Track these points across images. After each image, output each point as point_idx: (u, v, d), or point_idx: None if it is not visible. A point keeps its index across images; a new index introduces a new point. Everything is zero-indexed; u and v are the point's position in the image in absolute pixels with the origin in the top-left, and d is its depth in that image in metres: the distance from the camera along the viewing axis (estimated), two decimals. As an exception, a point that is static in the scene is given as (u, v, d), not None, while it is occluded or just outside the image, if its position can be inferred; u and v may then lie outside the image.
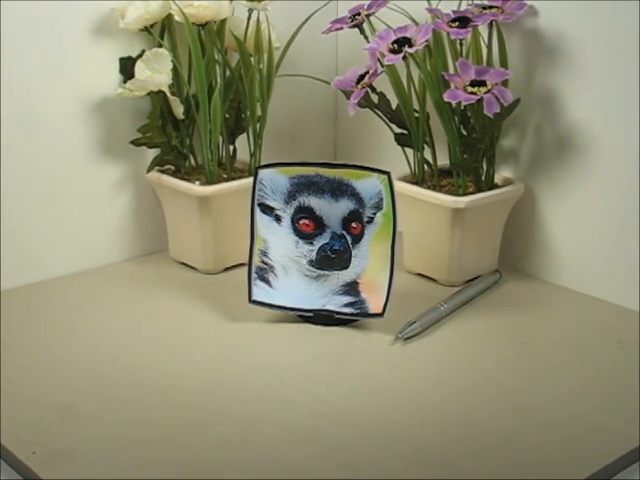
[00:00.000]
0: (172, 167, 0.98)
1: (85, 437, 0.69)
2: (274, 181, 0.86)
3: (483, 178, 0.95)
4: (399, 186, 0.95)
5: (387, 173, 0.84)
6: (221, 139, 0.98)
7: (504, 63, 0.92)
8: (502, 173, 0.99)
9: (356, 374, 0.79)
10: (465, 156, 0.92)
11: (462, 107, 0.92)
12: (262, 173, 0.86)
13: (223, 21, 0.95)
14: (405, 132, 0.96)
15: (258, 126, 0.97)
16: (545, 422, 0.72)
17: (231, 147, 1.00)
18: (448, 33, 0.87)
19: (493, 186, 0.96)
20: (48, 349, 0.81)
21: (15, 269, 0.93)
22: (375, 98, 0.95)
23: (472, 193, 0.93)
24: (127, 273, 0.98)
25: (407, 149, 0.97)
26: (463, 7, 0.93)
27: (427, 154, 0.96)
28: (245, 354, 0.82)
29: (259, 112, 0.97)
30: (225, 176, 0.97)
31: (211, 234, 0.95)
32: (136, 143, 0.95)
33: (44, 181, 0.94)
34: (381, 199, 0.85)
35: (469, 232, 0.93)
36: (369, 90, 0.93)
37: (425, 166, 0.97)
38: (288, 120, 1.11)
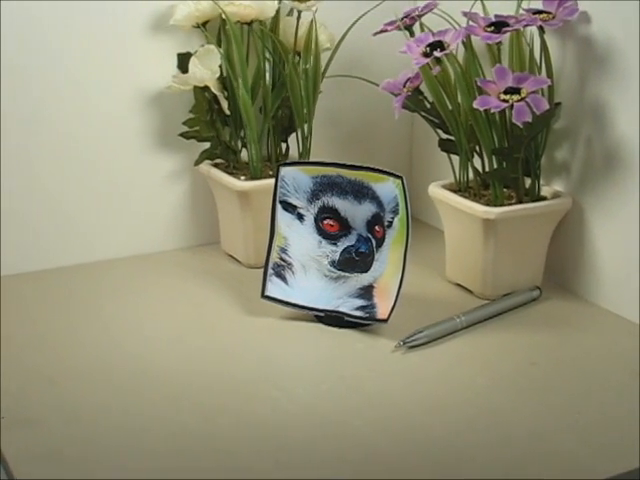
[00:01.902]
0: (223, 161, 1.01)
1: (56, 409, 0.72)
2: (296, 179, 0.87)
3: (527, 189, 0.91)
4: (438, 193, 0.94)
5: (400, 177, 0.83)
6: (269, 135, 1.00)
7: (548, 70, 0.88)
8: (554, 186, 0.94)
9: (340, 377, 0.78)
10: (503, 165, 0.89)
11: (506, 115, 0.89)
12: (284, 171, 0.87)
13: (276, 20, 0.96)
14: (451, 138, 0.94)
15: (306, 126, 0.98)
16: (506, 444, 0.68)
17: (284, 145, 1.01)
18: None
19: (539, 199, 0.92)
20: (62, 326, 0.86)
21: (72, 249, 0.99)
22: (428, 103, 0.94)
23: (512, 204, 0.90)
24: (176, 261, 1.02)
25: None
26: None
27: (478, 162, 0.94)
28: (243, 347, 0.83)
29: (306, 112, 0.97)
30: (271, 172, 0.99)
31: (252, 228, 0.97)
32: (185, 136, 0.98)
33: (103, 169, 0.99)
34: (397, 204, 0.84)
35: (504, 244, 0.89)
36: (416, 94, 0.92)
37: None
38: (363, 122, 1.11)
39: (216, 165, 1.01)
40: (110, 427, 0.70)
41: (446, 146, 0.95)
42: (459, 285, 0.95)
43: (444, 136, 0.95)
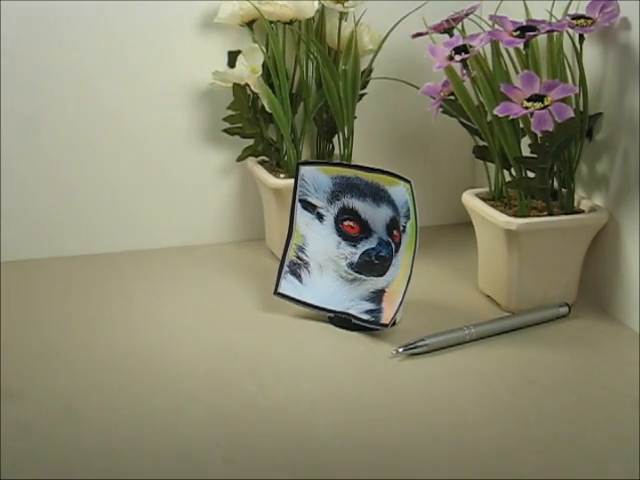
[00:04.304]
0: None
1: (47, 385, 0.76)
2: (316, 179, 0.87)
3: (561, 202, 0.88)
4: (469, 201, 0.91)
5: (409, 182, 0.82)
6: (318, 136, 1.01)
7: (582, 78, 0.84)
8: (595, 200, 0.90)
9: (326, 378, 0.78)
10: (527, 175, 0.86)
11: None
12: (303, 170, 0.87)
13: (322, 21, 0.97)
14: (487, 145, 0.91)
15: (346, 128, 0.98)
16: (468, 461, 0.66)
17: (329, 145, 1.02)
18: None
19: (574, 212, 0.88)
20: (83, 309, 0.90)
21: (120, 237, 1.04)
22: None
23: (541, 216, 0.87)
24: (217, 254, 1.04)
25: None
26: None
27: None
28: (244, 341, 0.84)
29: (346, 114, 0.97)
30: (311, 172, 0.99)
31: (287, 225, 0.98)
32: (229, 132, 1.00)
33: (155, 162, 1.03)
34: (409, 208, 0.83)
35: (530, 257, 0.86)
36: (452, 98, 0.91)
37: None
38: (425, 125, 1.09)
39: (263, 162, 1.02)
40: (91, 406, 0.73)
41: (481, 153, 0.92)
42: (489, 297, 0.93)
43: (481, 143, 0.92)
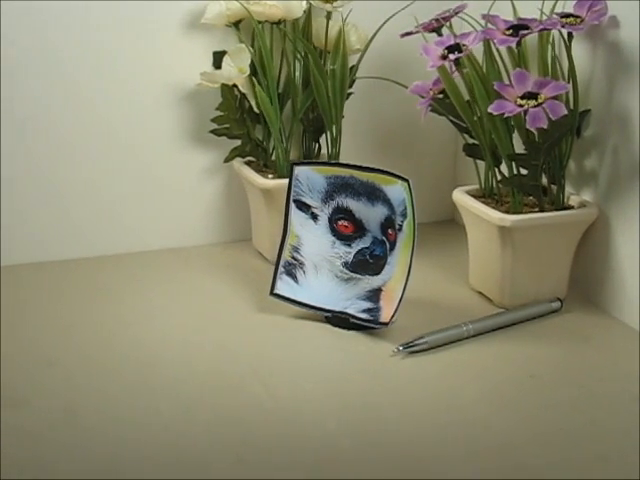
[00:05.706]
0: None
1: (42, 387, 0.75)
2: (310, 179, 0.87)
3: (550, 198, 0.89)
4: (460, 198, 0.92)
5: (407, 180, 0.82)
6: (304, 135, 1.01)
7: (572, 75, 0.85)
8: (584, 195, 0.91)
9: (328, 378, 0.78)
10: (521, 172, 0.87)
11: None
12: (297, 170, 0.87)
13: (308, 21, 0.97)
14: (477, 143, 0.92)
15: (334, 127, 0.98)
16: (474, 456, 0.67)
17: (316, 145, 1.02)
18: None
19: (564, 208, 0.89)
20: (77, 313, 0.89)
21: (109, 241, 1.03)
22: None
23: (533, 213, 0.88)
24: (205, 256, 1.03)
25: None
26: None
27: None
28: (243, 342, 0.84)
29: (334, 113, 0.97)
30: (299, 172, 0.99)
31: (277, 226, 0.96)
32: (217, 133, 1.00)
33: (140, 164, 1.02)
34: (406, 207, 0.83)
35: (523, 253, 0.87)
36: (446, 97, 0.91)
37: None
38: (407, 124, 1.10)
39: (249, 163, 1.02)
40: (91, 410, 0.73)
41: (471, 151, 0.93)
42: (481, 293, 0.93)
43: (470, 141, 0.93)
